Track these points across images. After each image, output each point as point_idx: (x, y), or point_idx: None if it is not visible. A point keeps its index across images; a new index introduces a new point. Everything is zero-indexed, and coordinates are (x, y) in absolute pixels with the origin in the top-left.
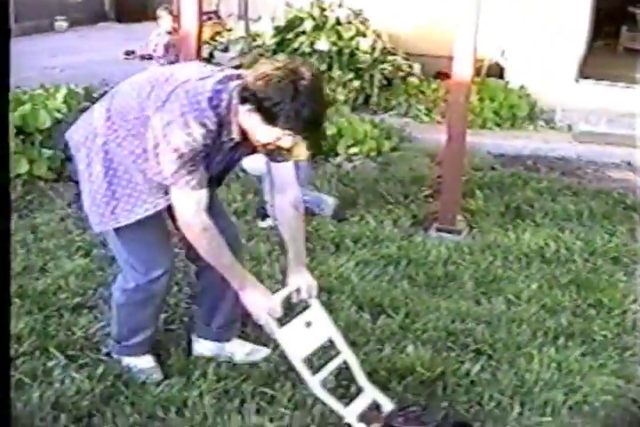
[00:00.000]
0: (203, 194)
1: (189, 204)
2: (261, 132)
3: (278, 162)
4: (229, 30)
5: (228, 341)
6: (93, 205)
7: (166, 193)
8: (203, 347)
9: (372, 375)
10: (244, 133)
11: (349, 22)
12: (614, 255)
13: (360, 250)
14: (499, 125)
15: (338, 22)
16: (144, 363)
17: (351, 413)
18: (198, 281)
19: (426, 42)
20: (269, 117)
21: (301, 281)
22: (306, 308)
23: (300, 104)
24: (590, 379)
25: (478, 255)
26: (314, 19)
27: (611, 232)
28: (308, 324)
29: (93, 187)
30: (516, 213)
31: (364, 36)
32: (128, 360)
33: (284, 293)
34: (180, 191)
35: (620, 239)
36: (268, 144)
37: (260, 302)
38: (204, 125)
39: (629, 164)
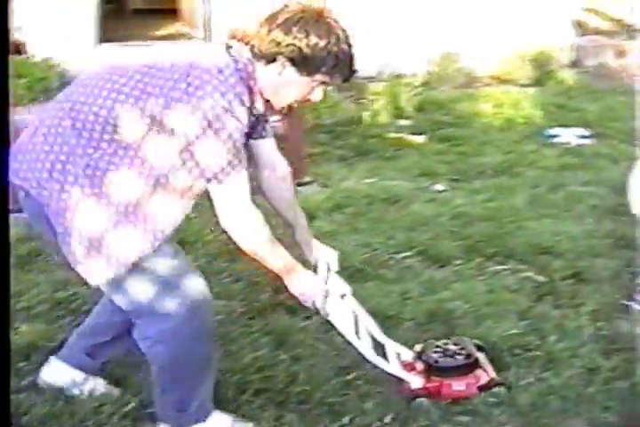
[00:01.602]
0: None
1: (244, 196)
2: (295, 87)
3: (262, 138)
4: None
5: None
6: (92, 249)
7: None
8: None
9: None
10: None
11: None
12: None
13: None
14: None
15: None
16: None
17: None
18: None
19: None
20: (310, 66)
21: (326, 255)
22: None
23: (339, 40)
24: None
25: None
26: None
27: None
28: (342, 296)
29: (88, 227)
30: None
31: None
32: None
33: (323, 272)
34: (231, 185)
35: None
36: (295, 102)
37: (314, 285)
38: (242, 103)
39: None
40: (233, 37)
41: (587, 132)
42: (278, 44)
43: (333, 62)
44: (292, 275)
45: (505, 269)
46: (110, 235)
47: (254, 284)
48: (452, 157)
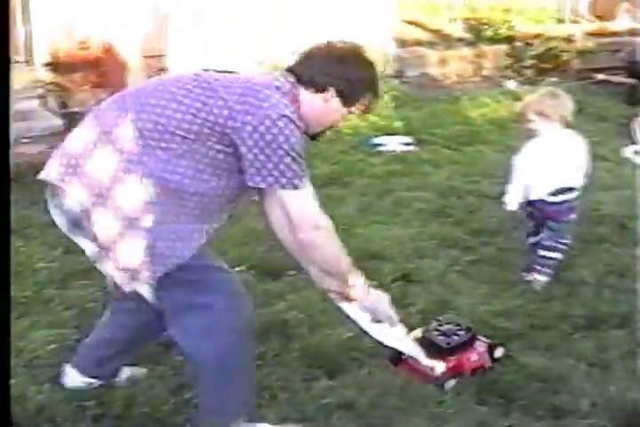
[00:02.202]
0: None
1: (310, 201)
2: (335, 115)
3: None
4: None
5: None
6: (155, 247)
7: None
8: None
9: None
10: None
11: None
12: None
13: None
14: None
15: None
16: None
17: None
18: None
19: None
20: (353, 98)
21: None
22: None
23: (375, 77)
24: None
25: None
26: None
27: None
28: None
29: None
30: None
31: None
32: None
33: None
34: (296, 191)
35: None
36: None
37: (384, 301)
38: (298, 117)
39: None
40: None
41: (410, 140)
42: (330, 75)
43: (371, 96)
44: (367, 294)
45: None
46: (163, 236)
47: (85, 311)
48: None
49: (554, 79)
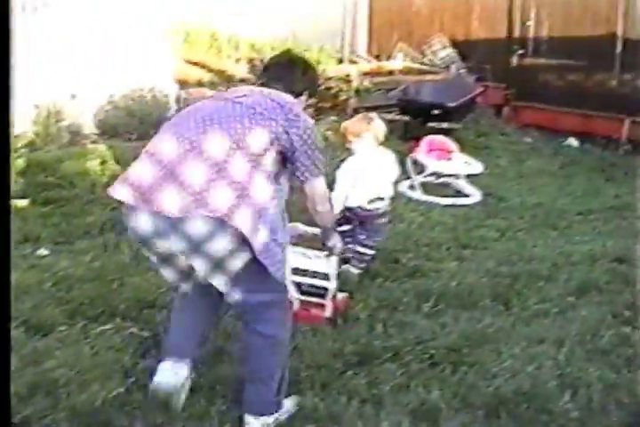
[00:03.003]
0: None
1: (325, 185)
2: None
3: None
4: None
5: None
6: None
7: None
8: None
9: None
10: None
11: None
12: None
13: None
14: None
15: None
16: None
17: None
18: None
19: None
20: (312, 97)
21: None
22: None
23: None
24: None
25: None
26: None
27: None
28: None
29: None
30: None
31: None
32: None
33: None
34: (320, 178)
35: None
36: None
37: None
38: None
39: None
40: None
41: None
42: (304, 81)
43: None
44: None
45: (110, 329)
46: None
47: None
48: (56, 219)
49: (333, 118)
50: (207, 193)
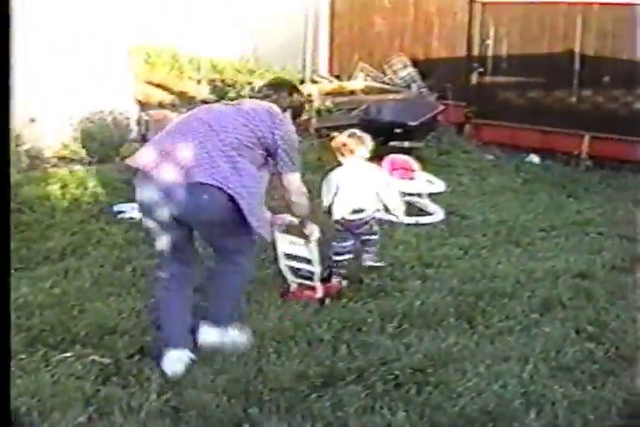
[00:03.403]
0: None
1: (299, 180)
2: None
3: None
4: None
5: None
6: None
7: None
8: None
9: None
10: None
11: None
12: None
13: None
14: None
15: None
16: None
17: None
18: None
19: None
20: (297, 115)
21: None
22: None
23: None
24: None
25: None
26: None
27: None
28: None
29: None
30: None
31: None
32: None
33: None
34: (295, 173)
35: None
36: None
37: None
38: None
39: None
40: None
41: None
42: (291, 101)
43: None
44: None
45: (70, 356)
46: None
47: None
48: (16, 244)
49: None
50: (210, 166)
